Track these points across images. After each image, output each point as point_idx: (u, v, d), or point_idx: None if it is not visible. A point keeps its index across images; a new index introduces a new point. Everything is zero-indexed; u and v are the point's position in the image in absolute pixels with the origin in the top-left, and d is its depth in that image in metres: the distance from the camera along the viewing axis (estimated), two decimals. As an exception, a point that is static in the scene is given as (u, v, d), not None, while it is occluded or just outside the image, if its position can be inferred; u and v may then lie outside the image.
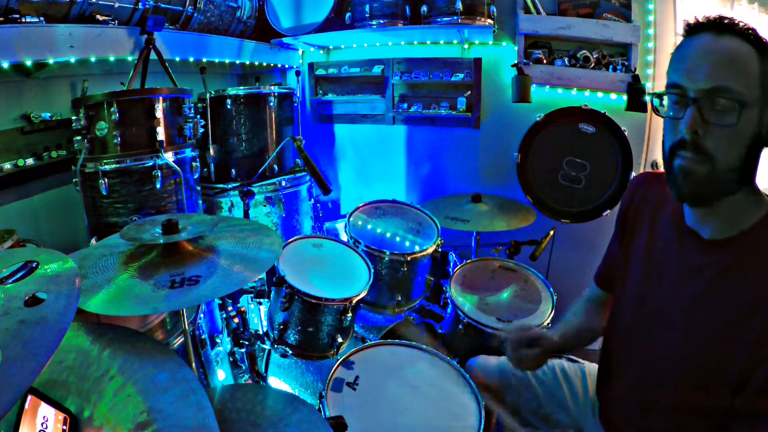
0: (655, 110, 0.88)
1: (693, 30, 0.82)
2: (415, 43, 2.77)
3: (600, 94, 2.37)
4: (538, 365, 1.15)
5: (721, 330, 0.81)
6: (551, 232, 2.18)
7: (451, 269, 1.99)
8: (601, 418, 1.08)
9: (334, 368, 1.36)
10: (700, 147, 0.78)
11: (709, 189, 0.81)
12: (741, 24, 0.78)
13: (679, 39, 0.85)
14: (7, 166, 1.58)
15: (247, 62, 2.63)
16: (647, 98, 2.23)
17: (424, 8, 2.42)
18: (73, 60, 1.61)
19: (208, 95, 2.10)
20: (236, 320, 1.77)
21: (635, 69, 2.27)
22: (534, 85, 2.38)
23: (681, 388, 0.86)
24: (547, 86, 2.43)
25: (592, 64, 2.33)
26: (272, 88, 2.26)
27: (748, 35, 0.78)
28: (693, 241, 0.88)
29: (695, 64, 0.79)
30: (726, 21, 0.79)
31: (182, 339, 1.33)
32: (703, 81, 0.77)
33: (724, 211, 0.83)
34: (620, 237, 1.08)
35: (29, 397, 0.80)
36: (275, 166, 2.26)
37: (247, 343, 1.72)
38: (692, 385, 0.85)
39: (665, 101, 0.85)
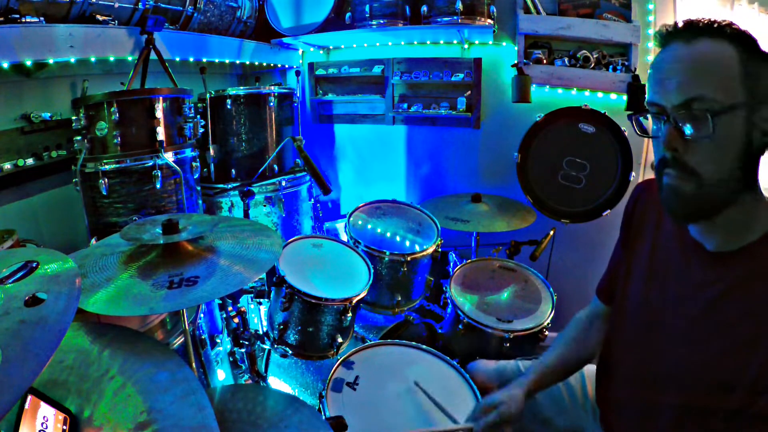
0: (644, 131, 0.84)
1: (664, 40, 0.78)
2: (415, 43, 2.77)
3: (600, 94, 2.37)
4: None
5: (730, 344, 0.78)
6: (551, 232, 2.19)
7: (451, 269, 1.99)
8: (602, 423, 1.07)
9: (334, 368, 1.36)
10: (682, 164, 0.76)
11: (700, 205, 0.77)
12: (716, 23, 0.73)
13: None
14: (7, 166, 1.58)
15: (247, 62, 2.62)
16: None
17: (424, 8, 2.42)
18: (73, 60, 1.61)
19: (208, 95, 2.10)
20: (236, 320, 1.77)
21: (635, 69, 2.27)
22: (534, 85, 2.38)
23: (684, 398, 0.84)
24: (547, 86, 2.43)
25: (592, 64, 2.33)
26: (272, 88, 2.26)
27: (725, 33, 0.73)
28: (697, 254, 0.85)
29: (666, 79, 0.75)
30: (697, 23, 0.75)
31: (182, 339, 1.33)
32: (674, 95, 0.74)
33: (728, 223, 0.79)
34: (623, 246, 1.05)
35: (29, 397, 0.80)
36: (275, 166, 2.26)
37: (247, 343, 1.72)
38: (696, 396, 0.82)
39: (650, 118, 0.82)
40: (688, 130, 0.74)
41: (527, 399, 1.07)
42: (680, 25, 0.77)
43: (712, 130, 0.71)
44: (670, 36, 0.77)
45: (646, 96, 0.81)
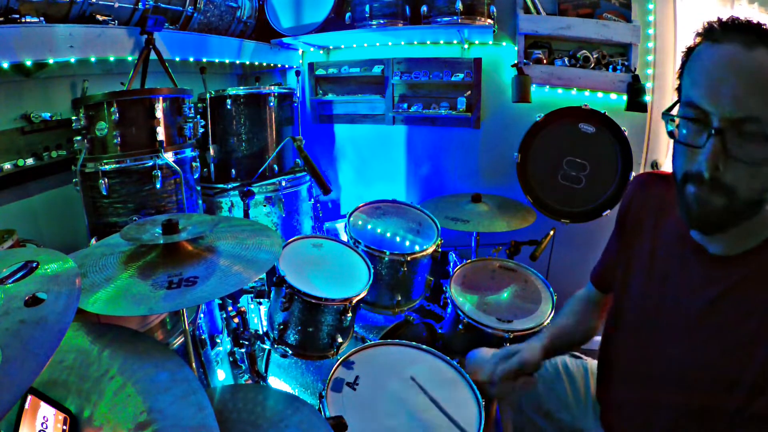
0: (671, 134, 0.76)
1: (718, 37, 0.70)
2: (415, 43, 2.77)
3: (600, 94, 2.37)
4: (530, 388, 1.09)
5: (730, 344, 0.78)
6: (551, 232, 2.18)
7: (451, 269, 1.99)
8: (602, 422, 1.07)
9: (334, 368, 1.35)
10: (719, 181, 0.70)
11: (726, 219, 0.74)
12: None
13: (681, 40, 0.77)
14: (7, 166, 1.58)
15: (247, 62, 2.63)
16: (645, 100, 2.22)
17: (424, 8, 2.42)
18: (73, 60, 1.61)
19: (208, 95, 2.10)
20: (236, 320, 1.77)
21: (635, 69, 2.27)
22: (534, 85, 2.38)
23: (683, 397, 0.84)
24: (547, 86, 2.43)
25: (592, 64, 2.33)
26: (272, 88, 2.26)
27: None
28: (699, 256, 0.84)
29: (722, 85, 0.68)
30: (758, 28, 0.68)
31: (182, 339, 1.33)
32: (730, 108, 0.67)
33: (737, 231, 0.77)
34: (620, 238, 1.05)
35: (29, 397, 0.80)
36: (275, 166, 2.26)
37: (247, 343, 1.72)
38: (695, 395, 0.82)
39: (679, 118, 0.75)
40: (736, 149, 0.68)
41: (544, 357, 1.05)
42: (740, 23, 0.70)
43: (766, 156, 0.67)
44: (727, 33, 0.69)
45: (683, 93, 0.75)
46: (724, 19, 0.71)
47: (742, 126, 0.67)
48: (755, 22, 0.69)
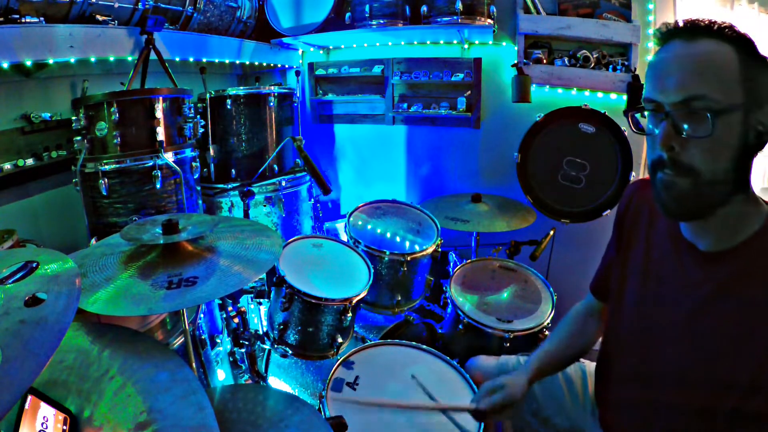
0: (640, 128, 0.85)
1: (664, 38, 0.78)
2: (415, 43, 2.77)
3: (600, 94, 2.37)
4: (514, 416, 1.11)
5: (725, 343, 0.78)
6: (551, 232, 2.18)
7: (451, 269, 1.99)
8: (601, 422, 1.07)
9: (334, 368, 1.36)
10: (679, 162, 0.76)
11: (696, 203, 0.77)
12: (717, 24, 0.74)
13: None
14: (7, 166, 1.58)
15: (247, 62, 2.63)
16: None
17: (424, 8, 2.42)
18: (73, 60, 1.61)
19: (208, 95, 2.10)
20: (236, 320, 1.77)
21: (635, 69, 2.27)
22: (534, 85, 2.38)
23: (681, 398, 0.85)
24: (547, 86, 2.43)
25: (592, 64, 2.33)
26: (272, 88, 2.26)
27: (726, 35, 0.73)
28: (690, 254, 0.85)
29: (666, 76, 0.76)
30: (699, 23, 0.75)
31: (182, 339, 1.33)
32: (673, 92, 0.74)
33: (721, 223, 0.80)
34: (617, 245, 1.06)
35: (29, 397, 0.80)
36: (275, 166, 2.26)
37: (247, 343, 1.72)
38: (693, 396, 0.83)
39: (646, 114, 0.82)
40: (685, 128, 0.74)
41: (529, 387, 1.09)
42: (681, 24, 0.77)
43: (711, 129, 0.72)
44: (670, 34, 0.77)
45: (643, 93, 0.82)
46: (670, 25, 0.79)
47: (688, 105, 0.73)
48: (702, 21, 0.75)
